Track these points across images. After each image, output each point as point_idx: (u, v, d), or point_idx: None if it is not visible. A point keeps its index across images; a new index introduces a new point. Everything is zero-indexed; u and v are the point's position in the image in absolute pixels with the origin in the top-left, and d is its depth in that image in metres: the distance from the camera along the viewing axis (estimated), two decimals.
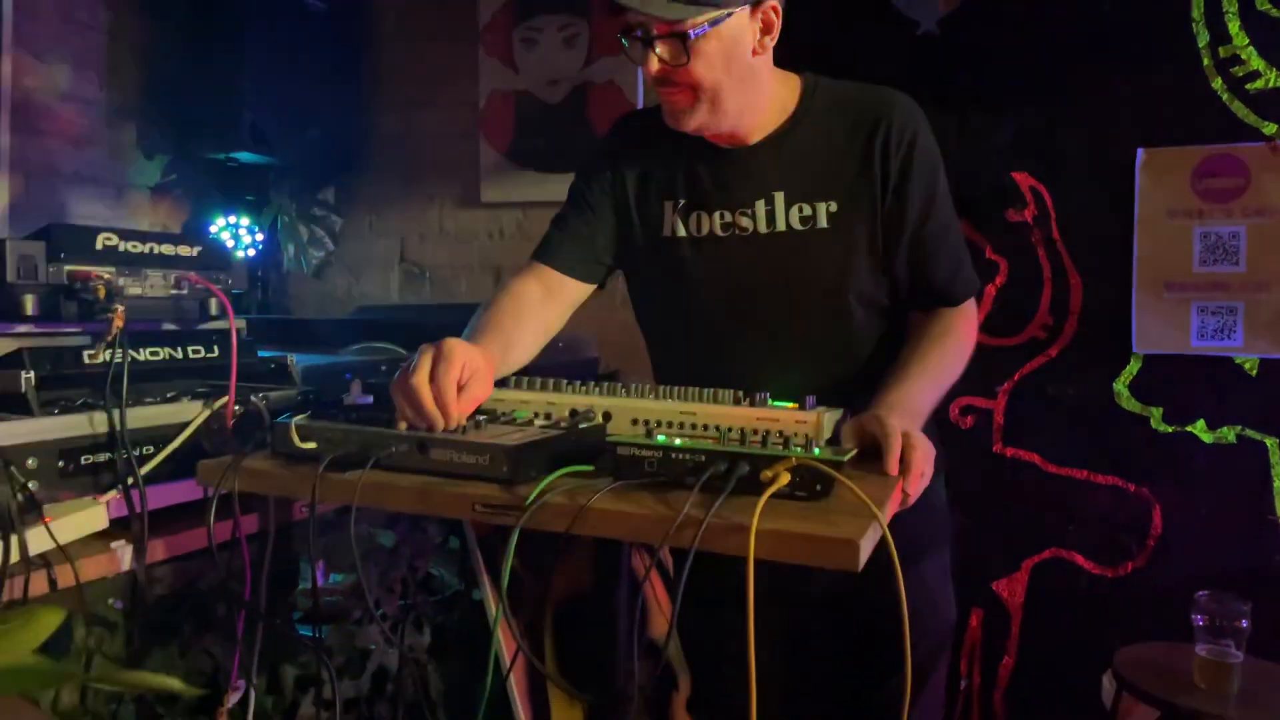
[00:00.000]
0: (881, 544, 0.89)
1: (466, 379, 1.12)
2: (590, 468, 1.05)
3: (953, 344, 1.40)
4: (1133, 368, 2.33)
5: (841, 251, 1.38)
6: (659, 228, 1.46)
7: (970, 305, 1.46)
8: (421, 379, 1.10)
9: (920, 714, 1.54)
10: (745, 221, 1.40)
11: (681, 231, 1.44)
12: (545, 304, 1.46)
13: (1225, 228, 2.25)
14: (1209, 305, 2.26)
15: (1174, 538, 2.29)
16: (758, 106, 1.38)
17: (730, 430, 1.11)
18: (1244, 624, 1.87)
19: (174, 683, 0.55)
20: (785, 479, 0.92)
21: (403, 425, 1.11)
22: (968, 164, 2.43)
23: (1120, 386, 2.34)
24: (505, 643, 1.72)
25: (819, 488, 0.93)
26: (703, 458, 0.97)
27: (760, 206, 1.39)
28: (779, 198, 1.39)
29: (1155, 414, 2.31)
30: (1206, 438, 2.26)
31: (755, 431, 1.09)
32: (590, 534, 0.93)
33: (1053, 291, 2.40)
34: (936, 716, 1.62)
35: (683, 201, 1.44)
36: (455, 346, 1.13)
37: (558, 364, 2.16)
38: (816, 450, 0.97)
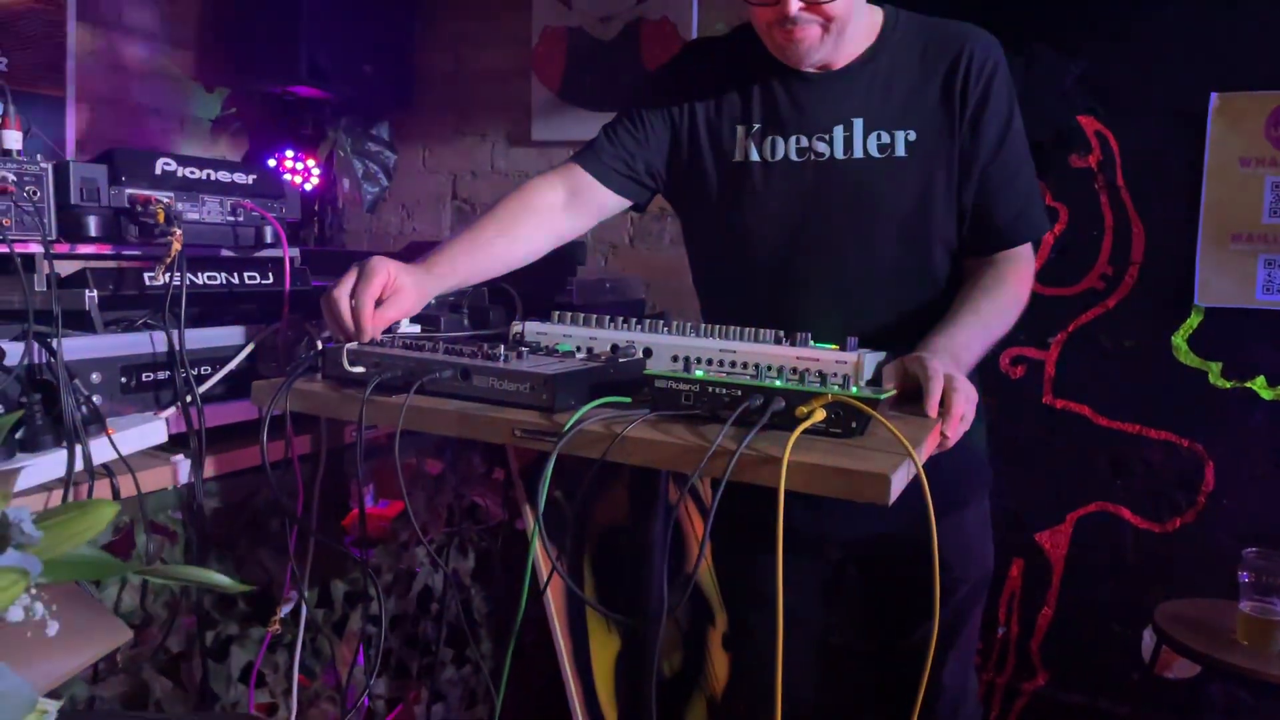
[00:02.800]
0: (915, 483, 0.89)
1: (387, 296, 1.18)
2: (628, 399, 1.07)
3: (1006, 293, 1.37)
4: (1193, 321, 2.27)
5: (918, 182, 1.36)
6: (730, 153, 1.44)
7: (1029, 254, 1.43)
8: (341, 294, 1.17)
9: (955, 658, 1.56)
10: (821, 147, 1.38)
11: (754, 156, 1.42)
12: (565, 209, 1.45)
13: None
14: (1276, 258, 2.18)
15: (1226, 495, 2.25)
16: (855, 35, 1.37)
17: (769, 368, 1.12)
18: None
19: (220, 578, 0.58)
20: (820, 415, 0.92)
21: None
22: (1032, 106, 2.31)
23: (1179, 340, 2.28)
24: (544, 565, 1.76)
25: (854, 425, 0.93)
26: (739, 392, 0.97)
27: (839, 132, 1.37)
28: (858, 124, 1.37)
29: (1214, 369, 2.25)
30: (1266, 394, 2.20)
31: (795, 370, 1.10)
32: (624, 461, 0.95)
33: (1113, 241, 2.34)
34: (970, 661, 1.64)
35: (757, 126, 1.42)
36: (378, 265, 1.18)
37: (604, 304, 2.18)
38: (854, 389, 0.97)
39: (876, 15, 1.41)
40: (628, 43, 2.92)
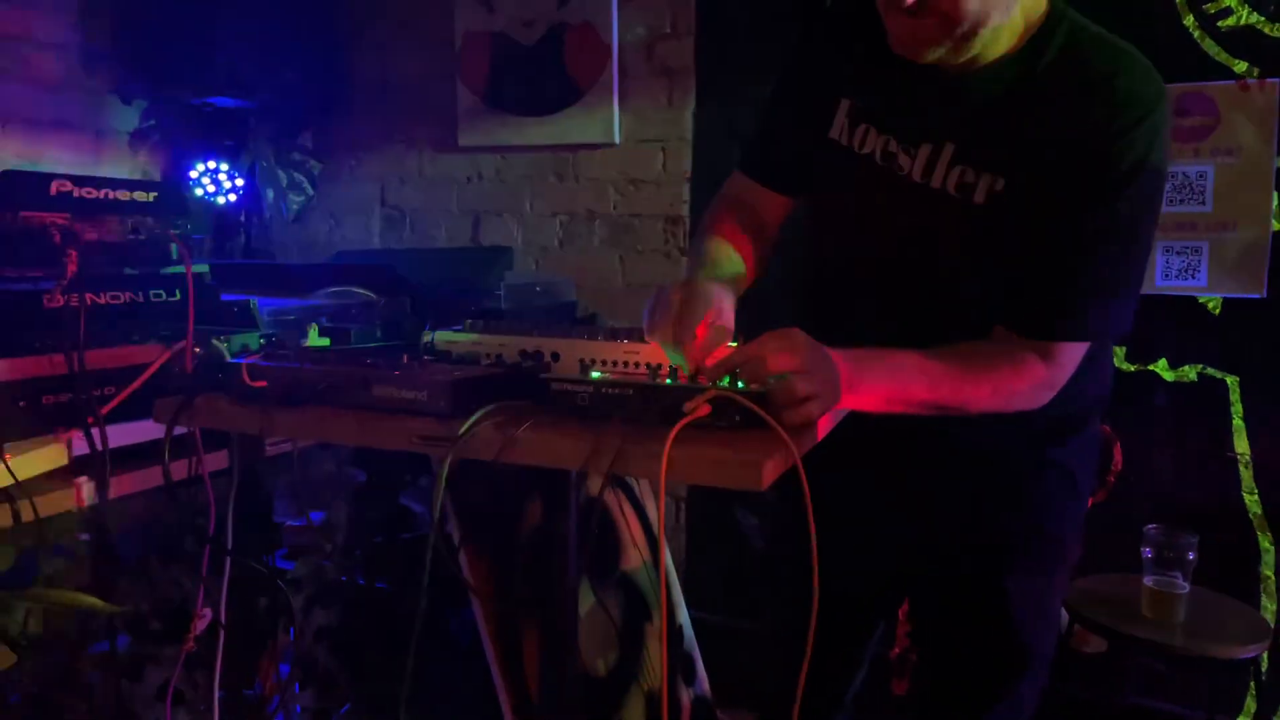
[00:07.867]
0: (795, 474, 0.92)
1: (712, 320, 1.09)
2: (527, 403, 1.09)
3: (996, 367, 1.18)
4: None
5: (987, 236, 1.20)
6: (827, 123, 1.31)
7: (1059, 357, 1.19)
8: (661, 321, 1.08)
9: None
10: (904, 160, 1.24)
11: (844, 140, 1.30)
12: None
13: (1193, 167, 2.26)
14: (1174, 245, 2.28)
15: (1134, 474, 2.33)
16: (999, 35, 1.16)
17: (662, 367, 1.15)
18: (1191, 556, 1.93)
19: (93, 600, 0.59)
20: (706, 409, 0.96)
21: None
22: None
23: None
24: (469, 570, 1.77)
25: (738, 418, 0.97)
26: (630, 391, 1.00)
27: (924, 151, 1.22)
28: (947, 150, 1.21)
29: (1119, 352, 2.34)
30: (1168, 376, 2.30)
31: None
32: (519, 462, 0.98)
33: None
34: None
35: (858, 104, 1.28)
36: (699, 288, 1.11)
37: (535, 308, 2.19)
38: (740, 384, 1.01)
39: (1036, 14, 1.18)
40: (551, 47, 2.94)
